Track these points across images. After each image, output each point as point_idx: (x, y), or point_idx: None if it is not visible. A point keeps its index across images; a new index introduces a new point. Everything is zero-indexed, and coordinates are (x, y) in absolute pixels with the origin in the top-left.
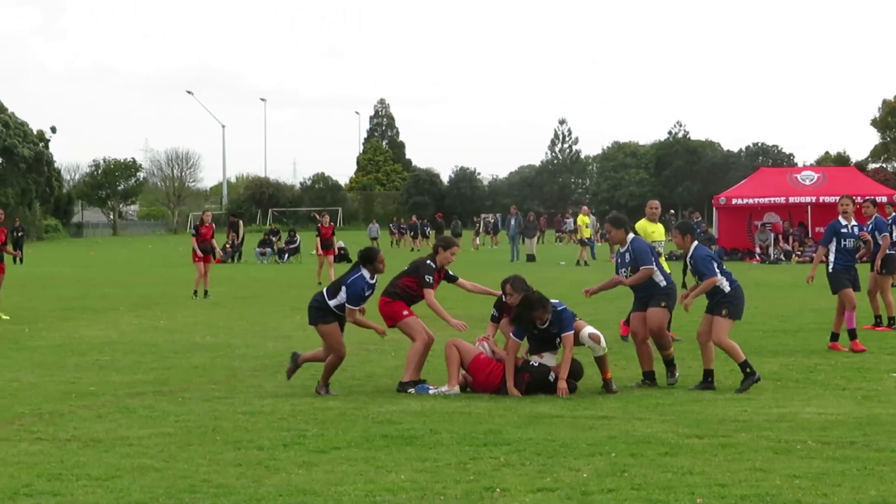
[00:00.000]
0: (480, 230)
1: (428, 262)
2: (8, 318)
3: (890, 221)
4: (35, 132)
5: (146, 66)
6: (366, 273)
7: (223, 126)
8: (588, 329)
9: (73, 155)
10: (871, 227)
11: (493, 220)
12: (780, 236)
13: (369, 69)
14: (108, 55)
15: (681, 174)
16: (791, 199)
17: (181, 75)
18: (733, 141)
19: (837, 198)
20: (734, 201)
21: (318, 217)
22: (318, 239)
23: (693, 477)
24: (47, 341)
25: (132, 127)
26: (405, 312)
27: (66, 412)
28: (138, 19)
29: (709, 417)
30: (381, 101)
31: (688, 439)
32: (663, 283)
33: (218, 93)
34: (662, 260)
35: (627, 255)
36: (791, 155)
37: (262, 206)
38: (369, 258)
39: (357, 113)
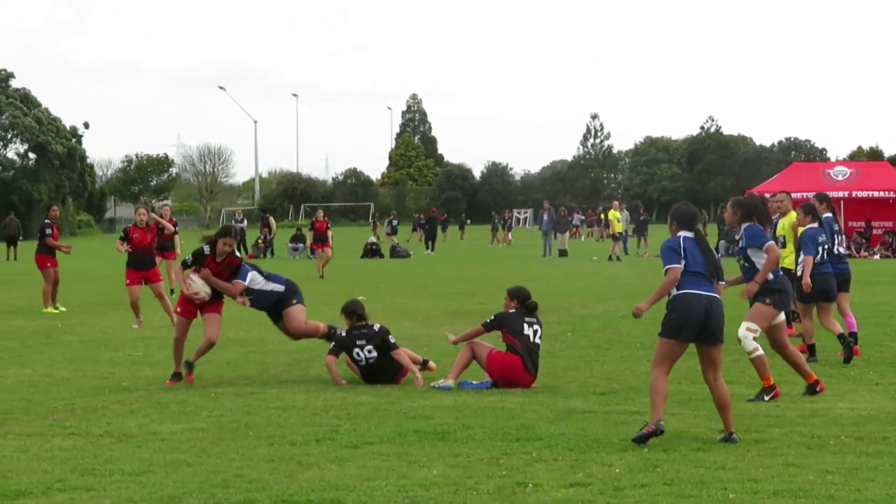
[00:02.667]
0: (512, 225)
1: (203, 246)
2: (65, 309)
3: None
4: (68, 128)
5: (177, 61)
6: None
7: (255, 121)
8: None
9: (105, 151)
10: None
11: (508, 218)
12: None
13: (401, 64)
14: (139, 51)
15: (713, 169)
16: None
17: (212, 71)
18: (765, 136)
19: (871, 193)
20: (766, 196)
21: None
22: (311, 233)
23: (725, 472)
24: (80, 336)
25: (164, 123)
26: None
27: (99, 407)
28: (168, 15)
29: (741, 413)
30: (413, 97)
31: (720, 434)
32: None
33: (249, 88)
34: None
35: None
36: (823, 149)
37: (294, 202)
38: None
39: (389, 108)
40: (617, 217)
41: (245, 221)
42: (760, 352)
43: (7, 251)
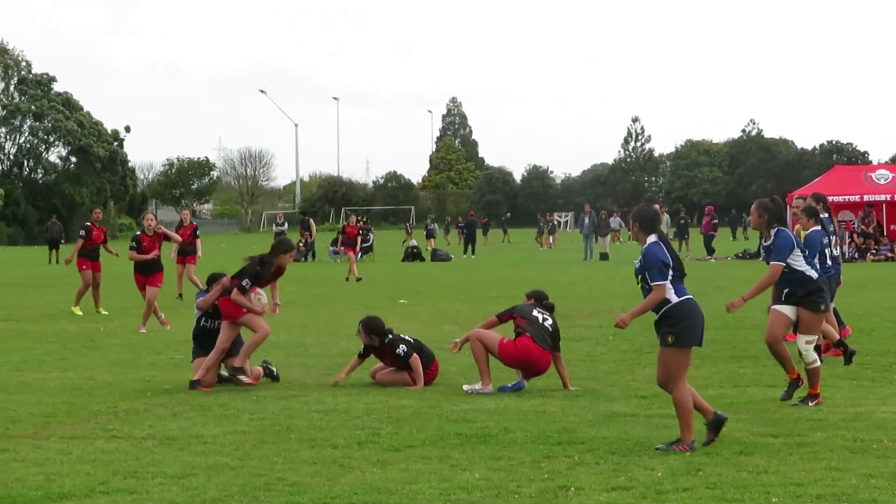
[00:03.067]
0: (554, 228)
1: (256, 266)
2: (107, 312)
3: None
4: (110, 132)
5: (218, 64)
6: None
7: (296, 125)
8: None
9: (146, 154)
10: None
11: (550, 221)
12: (854, 235)
13: (442, 68)
14: (180, 54)
15: (754, 172)
16: (865, 198)
17: (253, 74)
18: (807, 139)
19: None
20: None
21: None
22: (342, 237)
23: (768, 476)
24: (122, 340)
25: (205, 126)
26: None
27: (141, 410)
28: (209, 18)
29: (784, 416)
30: (453, 100)
31: (763, 438)
32: None
33: (290, 91)
34: None
35: None
36: (865, 153)
37: (335, 205)
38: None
39: (430, 112)
40: None
41: (286, 225)
42: (818, 363)
43: (49, 254)
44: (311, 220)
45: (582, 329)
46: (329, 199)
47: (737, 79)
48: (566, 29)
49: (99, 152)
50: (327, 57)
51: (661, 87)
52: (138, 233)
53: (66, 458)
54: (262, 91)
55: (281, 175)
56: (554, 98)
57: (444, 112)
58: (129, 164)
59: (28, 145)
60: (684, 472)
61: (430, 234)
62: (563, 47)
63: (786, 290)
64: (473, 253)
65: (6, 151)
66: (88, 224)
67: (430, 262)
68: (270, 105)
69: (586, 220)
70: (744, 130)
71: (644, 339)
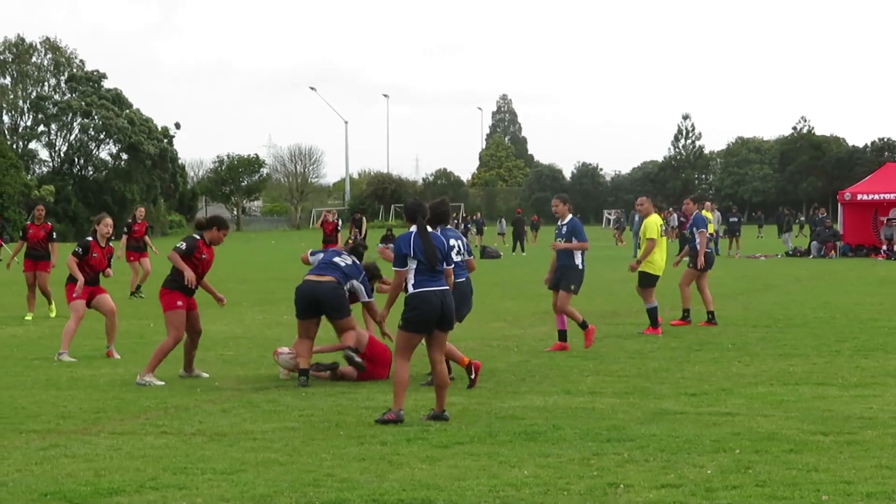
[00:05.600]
0: (623, 225)
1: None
2: (30, 319)
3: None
4: (160, 129)
5: (268, 62)
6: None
7: (346, 122)
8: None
9: (196, 151)
10: (689, 223)
11: (616, 217)
12: None
13: (491, 65)
14: (231, 52)
15: (805, 169)
16: None
17: (303, 72)
18: (858, 136)
19: None
20: (859, 197)
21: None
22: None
23: (818, 474)
24: None
25: (256, 123)
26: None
27: (191, 406)
28: (260, 16)
29: (834, 414)
30: (503, 97)
31: (813, 436)
32: None
33: (340, 89)
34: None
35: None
36: None
37: (384, 202)
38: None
39: (480, 109)
40: (709, 218)
41: (340, 221)
42: None
43: None
44: (363, 218)
45: (631, 326)
46: (379, 196)
47: (788, 76)
48: (616, 26)
49: (149, 149)
50: (377, 54)
51: (712, 85)
52: (90, 240)
53: (116, 454)
54: (312, 88)
55: (330, 172)
56: (604, 95)
57: (494, 109)
58: (180, 161)
59: (78, 143)
60: (734, 470)
61: (479, 230)
62: (614, 44)
63: None
64: (523, 250)
65: (57, 148)
66: (27, 223)
67: (479, 259)
68: (320, 102)
69: (636, 218)
70: (795, 128)
71: (693, 337)
